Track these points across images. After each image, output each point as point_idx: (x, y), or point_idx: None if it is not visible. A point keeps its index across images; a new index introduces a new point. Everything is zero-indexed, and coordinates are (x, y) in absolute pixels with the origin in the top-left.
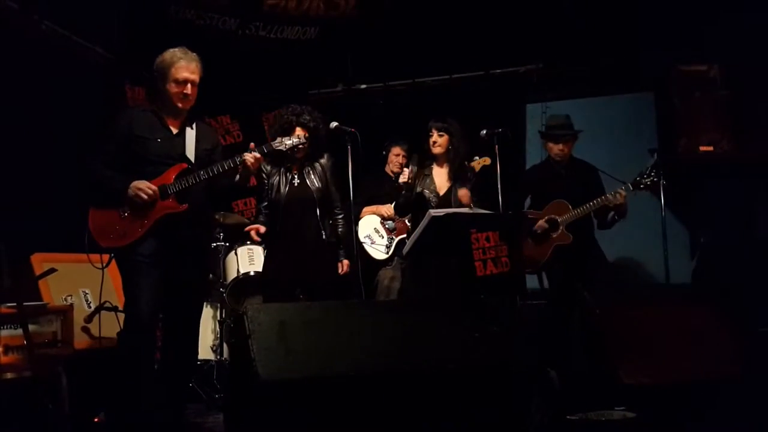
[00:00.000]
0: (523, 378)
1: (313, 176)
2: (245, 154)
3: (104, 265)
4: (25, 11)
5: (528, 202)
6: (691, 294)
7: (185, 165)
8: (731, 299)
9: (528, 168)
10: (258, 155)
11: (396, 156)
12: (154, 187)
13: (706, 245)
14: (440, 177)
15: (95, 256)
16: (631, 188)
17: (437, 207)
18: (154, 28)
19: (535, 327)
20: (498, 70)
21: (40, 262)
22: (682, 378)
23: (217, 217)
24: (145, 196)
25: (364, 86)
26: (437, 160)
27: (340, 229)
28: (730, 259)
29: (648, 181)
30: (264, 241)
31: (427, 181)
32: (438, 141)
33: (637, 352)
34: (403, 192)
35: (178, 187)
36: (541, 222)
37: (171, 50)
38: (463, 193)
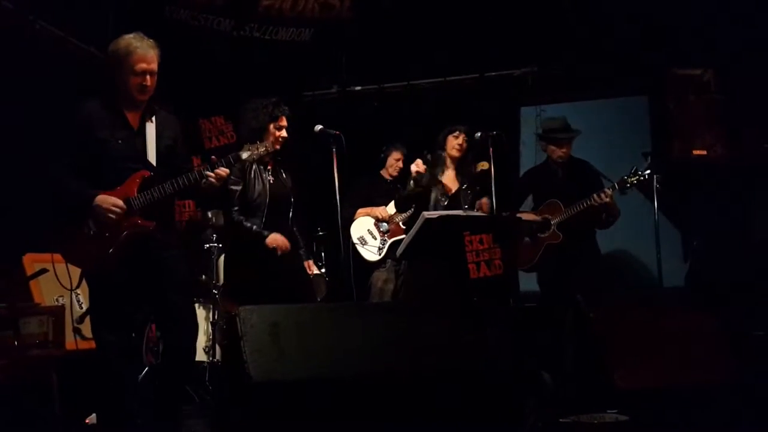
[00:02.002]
0: (516, 380)
1: (285, 174)
2: (209, 172)
3: (75, 286)
4: (19, 11)
5: (531, 204)
6: (685, 297)
7: (148, 173)
8: (725, 302)
9: (527, 170)
10: (225, 171)
11: (396, 161)
12: (120, 204)
13: (699, 249)
14: (449, 179)
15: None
16: (617, 188)
17: (447, 207)
18: (149, 28)
19: (528, 330)
20: (493, 73)
21: (31, 262)
22: (675, 381)
23: (209, 216)
24: (114, 216)
25: (358, 88)
26: (449, 162)
27: (295, 228)
28: (723, 262)
29: (634, 180)
30: (238, 243)
31: (435, 182)
32: (463, 144)
33: (630, 355)
34: (411, 184)
35: (143, 201)
36: (531, 216)
37: (126, 37)
38: (485, 202)
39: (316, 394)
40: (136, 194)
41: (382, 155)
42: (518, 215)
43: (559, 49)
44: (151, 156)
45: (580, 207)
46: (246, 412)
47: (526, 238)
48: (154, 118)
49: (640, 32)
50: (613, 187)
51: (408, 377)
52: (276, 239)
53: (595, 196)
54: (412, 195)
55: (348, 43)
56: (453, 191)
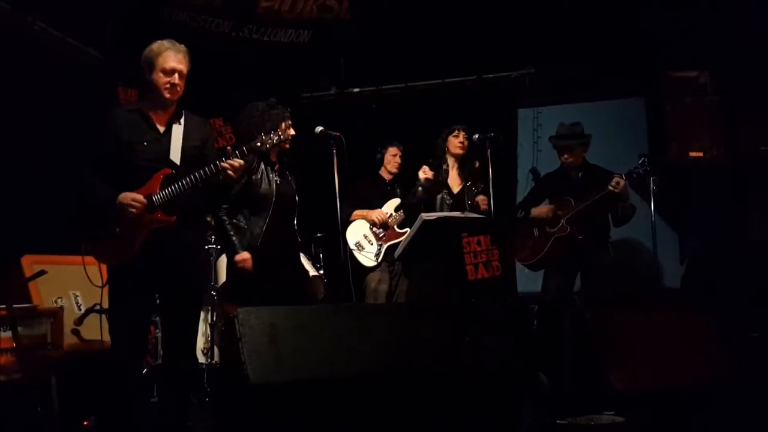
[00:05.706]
0: (513, 382)
1: (289, 177)
2: (223, 162)
3: (104, 283)
4: (17, 12)
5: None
6: (681, 299)
7: (170, 171)
8: (721, 304)
9: (545, 174)
10: (240, 162)
11: (393, 156)
12: (140, 198)
13: (696, 250)
14: (453, 178)
15: (90, 260)
16: (624, 178)
17: (452, 206)
18: (147, 29)
19: (526, 331)
20: (490, 75)
21: (30, 264)
22: (672, 383)
23: (208, 219)
24: (134, 210)
25: (357, 90)
26: (453, 161)
27: (296, 230)
28: (719, 264)
29: (641, 170)
30: (237, 241)
31: (441, 187)
32: (464, 142)
33: (627, 357)
34: (419, 191)
35: (165, 197)
36: (543, 210)
37: (159, 41)
38: (482, 199)
39: (315, 395)
40: (158, 191)
41: (379, 155)
42: (530, 210)
43: (557, 51)
44: (176, 156)
45: (591, 198)
46: (244, 414)
47: (535, 230)
48: (182, 121)
49: (637, 34)
50: (628, 176)
51: (406, 378)
52: (245, 260)
53: (611, 184)
54: (419, 203)
55: (346, 44)
56: (458, 190)
